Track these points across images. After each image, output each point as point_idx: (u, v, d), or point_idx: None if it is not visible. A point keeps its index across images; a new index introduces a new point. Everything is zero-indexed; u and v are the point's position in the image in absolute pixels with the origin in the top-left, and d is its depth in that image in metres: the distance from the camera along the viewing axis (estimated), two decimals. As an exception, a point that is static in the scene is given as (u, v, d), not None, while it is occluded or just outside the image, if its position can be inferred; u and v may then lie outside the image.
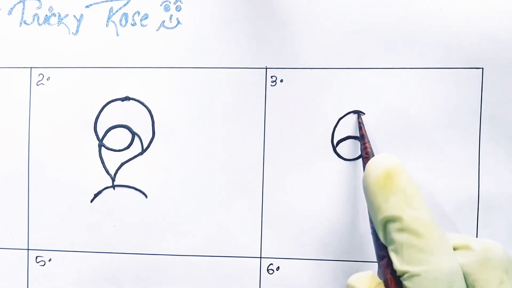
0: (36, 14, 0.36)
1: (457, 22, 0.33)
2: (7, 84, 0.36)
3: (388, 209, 0.26)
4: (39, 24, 0.36)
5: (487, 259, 0.25)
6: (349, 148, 0.34)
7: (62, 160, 0.36)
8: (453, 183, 0.34)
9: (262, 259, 0.35)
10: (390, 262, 0.26)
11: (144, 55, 0.35)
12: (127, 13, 0.35)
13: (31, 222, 0.36)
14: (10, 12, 0.36)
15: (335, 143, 0.35)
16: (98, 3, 0.36)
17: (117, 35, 0.35)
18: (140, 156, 0.36)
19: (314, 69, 0.34)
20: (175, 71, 0.35)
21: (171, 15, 0.35)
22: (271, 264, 0.35)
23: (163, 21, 0.35)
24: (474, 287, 0.25)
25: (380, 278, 0.27)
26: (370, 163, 0.28)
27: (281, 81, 0.35)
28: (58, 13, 0.36)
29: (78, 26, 0.36)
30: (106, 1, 0.35)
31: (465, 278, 0.25)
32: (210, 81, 0.35)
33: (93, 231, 0.36)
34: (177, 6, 0.35)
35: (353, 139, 0.34)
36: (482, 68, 0.33)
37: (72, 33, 0.36)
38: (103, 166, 0.36)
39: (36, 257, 0.36)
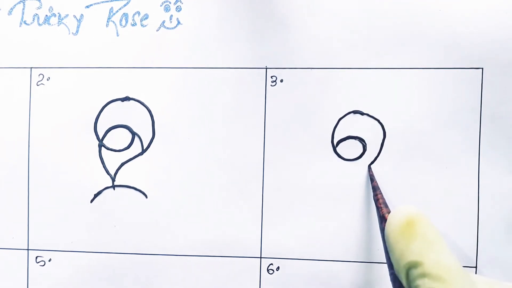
0: (36, 14, 0.36)
1: (457, 22, 0.33)
2: (7, 84, 0.36)
3: (410, 254, 0.26)
4: (39, 24, 0.36)
5: None
6: (349, 148, 0.34)
7: (62, 160, 0.36)
8: (453, 183, 0.34)
9: (262, 259, 0.35)
10: None
11: (144, 55, 0.35)
12: (127, 13, 0.35)
13: (31, 222, 0.36)
14: (10, 12, 0.36)
15: (335, 143, 0.35)
16: (98, 3, 0.36)
17: (117, 35, 0.35)
18: (140, 156, 0.36)
19: (314, 69, 0.34)
20: (175, 71, 0.35)
21: (171, 15, 0.35)
22: (271, 264, 0.35)
23: (163, 21, 0.35)
24: None
25: None
26: (392, 214, 0.28)
27: (281, 81, 0.35)
28: (58, 13, 0.36)
29: (78, 26, 0.36)
30: (106, 1, 0.35)
31: None
32: (210, 81, 0.35)
33: (93, 231, 0.36)
34: (177, 6, 0.35)
35: (353, 139, 0.34)
36: (482, 68, 0.33)
37: (72, 33, 0.36)
38: (103, 166, 0.36)
39: (36, 257, 0.36)
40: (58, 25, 0.36)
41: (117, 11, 0.35)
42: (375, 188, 0.33)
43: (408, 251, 0.26)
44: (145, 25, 0.35)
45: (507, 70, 0.33)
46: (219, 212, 0.35)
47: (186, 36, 0.35)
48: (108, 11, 0.35)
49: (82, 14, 0.36)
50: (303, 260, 0.35)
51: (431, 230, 0.27)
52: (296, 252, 0.35)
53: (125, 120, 0.36)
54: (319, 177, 0.35)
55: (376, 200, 0.32)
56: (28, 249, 0.36)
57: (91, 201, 0.36)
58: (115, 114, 0.36)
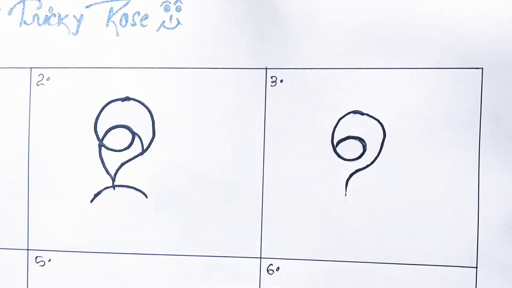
0: (36, 14, 0.36)
1: (457, 22, 0.33)
2: (7, 84, 0.36)
3: None
4: (39, 24, 0.36)
5: None
6: (349, 148, 0.34)
7: (62, 160, 0.36)
8: (453, 183, 0.34)
9: (262, 259, 0.35)
10: None
11: (144, 55, 0.35)
12: (127, 13, 0.35)
13: (31, 222, 0.36)
14: (10, 12, 0.36)
15: (335, 143, 0.35)
16: (98, 3, 0.36)
17: (117, 35, 0.35)
18: (140, 156, 0.36)
19: (314, 69, 0.34)
20: (175, 71, 0.35)
21: (171, 15, 0.35)
22: (271, 264, 0.35)
23: (163, 21, 0.35)
24: None
25: None
26: None
27: (281, 81, 0.35)
28: (58, 13, 0.36)
29: (78, 26, 0.36)
30: (106, 1, 0.35)
31: None
32: (210, 81, 0.35)
33: (93, 231, 0.36)
34: (177, 6, 0.35)
35: (353, 139, 0.34)
36: (482, 68, 0.33)
37: (72, 33, 0.36)
38: (103, 166, 0.36)
39: (36, 257, 0.36)
40: (58, 25, 0.36)
41: (117, 11, 0.35)
42: None
43: None
44: (145, 25, 0.35)
45: (507, 70, 0.33)
46: (219, 212, 0.35)
47: (186, 36, 0.35)
48: (108, 11, 0.35)
49: (82, 14, 0.36)
50: (303, 260, 0.35)
51: None
52: (296, 252, 0.35)
53: (125, 120, 0.36)
54: (319, 177, 0.35)
55: None
56: (28, 249, 0.36)
57: (91, 201, 0.36)
58: (115, 114, 0.36)
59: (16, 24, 0.36)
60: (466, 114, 0.34)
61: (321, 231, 0.35)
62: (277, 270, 0.35)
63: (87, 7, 0.36)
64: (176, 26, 0.35)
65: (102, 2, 0.36)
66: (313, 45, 0.34)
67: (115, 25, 0.35)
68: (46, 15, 0.36)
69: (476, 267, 0.34)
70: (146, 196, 0.35)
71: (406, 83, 0.34)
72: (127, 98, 0.36)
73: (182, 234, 0.35)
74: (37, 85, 0.36)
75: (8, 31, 0.36)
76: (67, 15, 0.36)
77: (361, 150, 0.34)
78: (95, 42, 0.36)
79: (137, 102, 0.35)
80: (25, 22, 0.36)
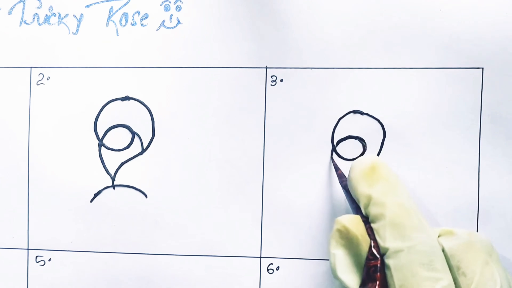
0: (36, 13, 0.36)
1: (457, 22, 0.33)
2: (7, 84, 0.36)
3: (373, 193, 0.28)
4: (39, 24, 0.36)
5: (471, 242, 0.27)
6: (349, 148, 0.34)
7: (62, 160, 0.36)
8: (453, 183, 0.34)
9: (262, 259, 0.35)
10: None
11: (144, 55, 0.35)
12: (127, 13, 0.35)
13: (31, 222, 0.36)
14: (10, 12, 0.36)
15: (335, 143, 0.35)
16: (98, 2, 0.36)
17: (117, 35, 0.35)
18: (140, 156, 0.36)
19: (314, 69, 0.34)
20: (175, 71, 0.35)
21: (171, 15, 0.35)
22: (271, 264, 0.35)
23: (163, 21, 0.35)
24: (459, 267, 0.27)
25: None
26: (355, 161, 0.30)
27: (281, 80, 0.35)
28: (58, 12, 0.36)
29: (78, 26, 0.36)
30: (106, 1, 0.35)
31: (450, 260, 0.27)
32: (210, 81, 0.35)
33: (93, 231, 0.36)
34: (177, 6, 0.35)
35: (353, 139, 0.34)
36: (482, 68, 0.33)
37: (72, 33, 0.36)
38: (103, 166, 0.36)
39: (36, 257, 0.36)
40: (58, 25, 0.36)
41: (117, 10, 0.35)
42: (341, 176, 0.33)
43: (371, 190, 0.28)
44: (145, 25, 0.35)
45: (507, 70, 0.33)
46: (219, 212, 0.35)
47: (186, 36, 0.35)
48: (108, 10, 0.35)
49: (82, 14, 0.36)
50: (303, 260, 0.35)
51: (392, 174, 0.29)
52: (296, 252, 0.35)
53: (125, 120, 0.36)
54: (319, 177, 0.35)
55: (341, 182, 0.33)
56: (28, 249, 0.36)
57: (91, 201, 0.36)
58: (115, 113, 0.36)
59: (16, 24, 0.36)
60: (466, 114, 0.34)
61: (321, 230, 0.35)
62: (277, 270, 0.35)
63: (87, 6, 0.36)
64: (176, 25, 0.35)
65: (102, 1, 0.36)
66: (313, 44, 0.34)
67: (115, 24, 0.35)
68: (46, 15, 0.36)
69: (476, 267, 0.34)
70: (146, 196, 0.35)
71: (406, 83, 0.34)
72: (127, 98, 0.36)
73: (181, 234, 0.35)
74: (37, 85, 0.36)
75: (8, 31, 0.36)
76: (67, 15, 0.36)
77: (361, 150, 0.34)
78: (95, 41, 0.36)
79: (137, 102, 0.35)
80: (25, 22, 0.36)
